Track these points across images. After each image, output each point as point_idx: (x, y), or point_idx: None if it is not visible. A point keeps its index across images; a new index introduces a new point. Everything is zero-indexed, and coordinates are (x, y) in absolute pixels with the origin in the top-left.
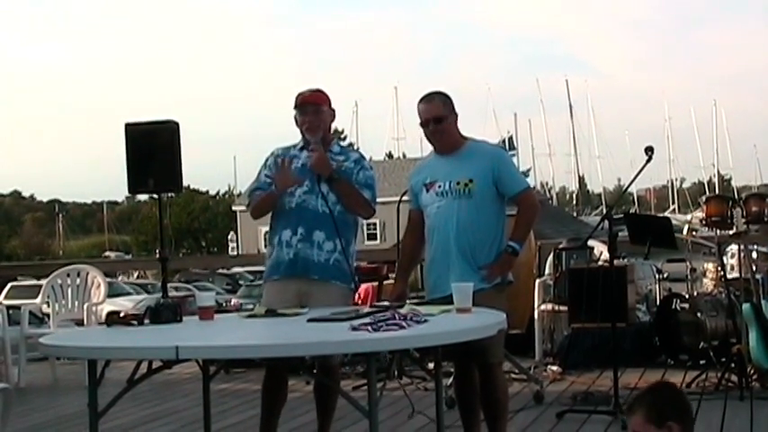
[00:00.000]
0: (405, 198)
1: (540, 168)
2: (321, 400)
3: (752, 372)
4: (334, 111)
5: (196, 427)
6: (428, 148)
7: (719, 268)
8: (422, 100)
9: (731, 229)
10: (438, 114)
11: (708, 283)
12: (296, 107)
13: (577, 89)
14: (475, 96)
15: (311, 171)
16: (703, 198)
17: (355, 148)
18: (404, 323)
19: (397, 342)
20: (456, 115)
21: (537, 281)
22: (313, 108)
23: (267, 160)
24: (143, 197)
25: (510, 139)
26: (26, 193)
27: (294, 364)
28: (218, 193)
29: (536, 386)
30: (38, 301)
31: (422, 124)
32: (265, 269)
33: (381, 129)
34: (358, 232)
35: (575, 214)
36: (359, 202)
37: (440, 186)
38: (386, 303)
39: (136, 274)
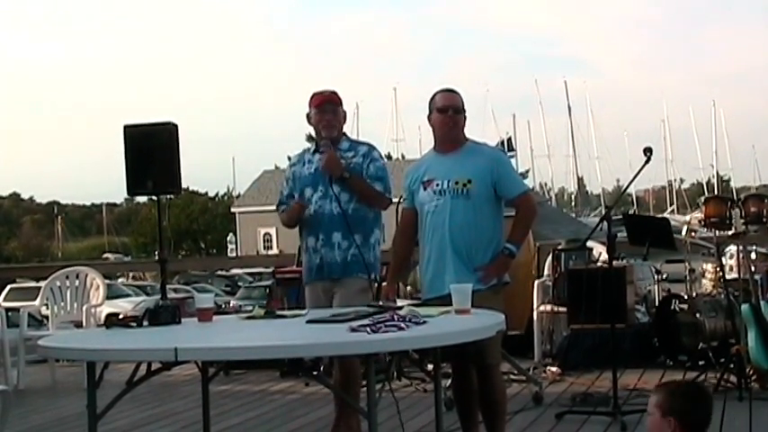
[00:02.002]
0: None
1: (538, 169)
2: (337, 396)
3: (751, 372)
4: (345, 112)
5: (195, 429)
6: (426, 149)
7: (718, 269)
8: (442, 90)
9: (730, 229)
10: (458, 105)
11: (707, 284)
12: (313, 106)
13: (576, 90)
14: (474, 97)
15: (322, 175)
16: (702, 199)
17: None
18: (403, 324)
19: (395, 343)
20: (466, 117)
21: (536, 282)
22: (332, 107)
23: (287, 168)
24: (142, 199)
25: (509, 140)
26: (25, 195)
27: (293, 366)
28: (217, 195)
29: (535, 387)
30: (37, 303)
31: (441, 110)
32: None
33: (380, 130)
34: (381, 223)
35: (573, 215)
36: (372, 196)
37: (438, 185)
38: (379, 303)
39: (135, 276)
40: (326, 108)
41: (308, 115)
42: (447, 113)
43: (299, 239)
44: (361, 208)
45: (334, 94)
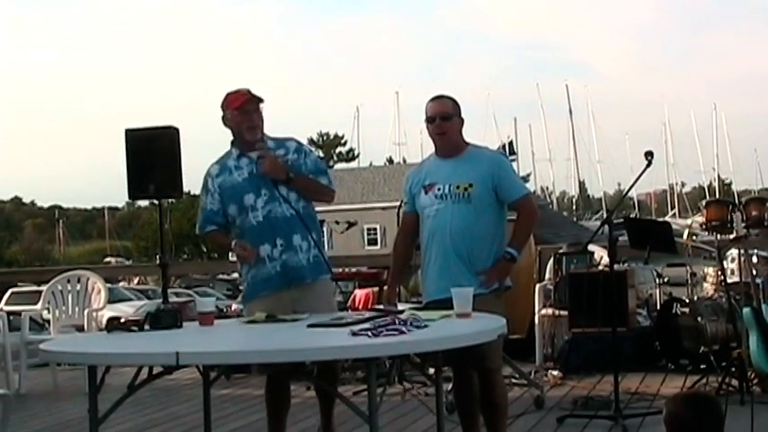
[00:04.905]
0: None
1: (540, 173)
2: (321, 399)
3: (752, 376)
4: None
5: None
6: (428, 153)
7: (720, 272)
8: (432, 99)
9: (731, 233)
10: (446, 111)
11: (708, 288)
12: (233, 107)
13: (577, 94)
14: (475, 101)
15: (262, 178)
16: (703, 202)
17: (356, 152)
18: (404, 328)
19: (397, 347)
20: (462, 120)
21: (537, 285)
22: (254, 107)
23: (207, 183)
24: (143, 203)
25: (510, 144)
26: (26, 199)
27: (292, 370)
28: None
29: (536, 391)
30: (38, 307)
31: (428, 120)
32: (247, 289)
33: (382, 133)
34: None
35: (575, 219)
36: (320, 191)
37: (439, 189)
38: (380, 307)
39: (136, 280)
40: (249, 108)
41: (223, 118)
42: (434, 123)
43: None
44: (308, 206)
45: (249, 92)
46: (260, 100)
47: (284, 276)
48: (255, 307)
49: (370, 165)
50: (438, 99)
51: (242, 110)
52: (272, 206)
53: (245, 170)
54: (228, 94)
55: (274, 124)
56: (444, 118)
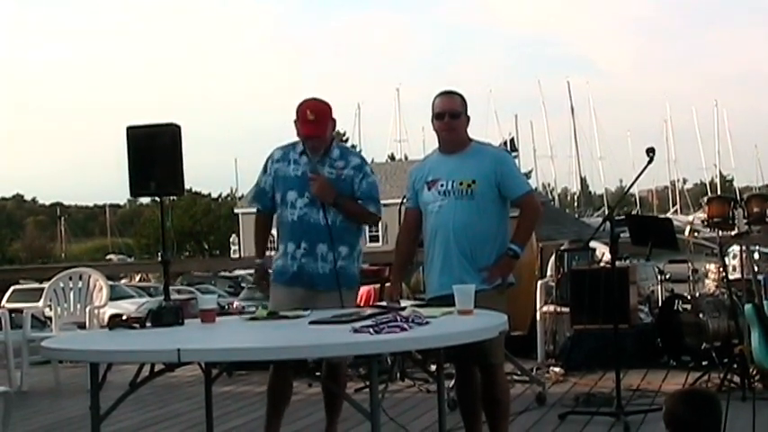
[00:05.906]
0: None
1: (541, 170)
2: (327, 397)
3: (754, 372)
4: (335, 120)
5: (199, 430)
6: (429, 150)
7: (721, 269)
8: (441, 94)
9: (733, 229)
10: (456, 109)
11: (710, 284)
12: (302, 133)
13: (579, 90)
14: (476, 98)
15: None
16: (705, 199)
17: (357, 149)
18: (405, 325)
19: (398, 344)
20: (468, 118)
21: (539, 282)
22: (319, 134)
23: (267, 163)
24: (145, 200)
25: (511, 140)
26: (28, 197)
27: (297, 367)
28: (220, 196)
29: (538, 388)
30: (40, 304)
31: (437, 116)
32: (273, 271)
33: (383, 131)
34: (363, 232)
35: (576, 216)
36: (364, 217)
37: (442, 185)
38: (383, 304)
39: (138, 277)
40: (314, 136)
41: (295, 123)
42: (443, 120)
43: (277, 238)
44: (347, 220)
45: (323, 110)
46: (323, 130)
47: (298, 278)
48: (275, 292)
49: (372, 162)
50: (447, 95)
51: (307, 137)
52: (309, 210)
53: (301, 168)
54: (302, 106)
55: (276, 123)
56: (454, 115)
